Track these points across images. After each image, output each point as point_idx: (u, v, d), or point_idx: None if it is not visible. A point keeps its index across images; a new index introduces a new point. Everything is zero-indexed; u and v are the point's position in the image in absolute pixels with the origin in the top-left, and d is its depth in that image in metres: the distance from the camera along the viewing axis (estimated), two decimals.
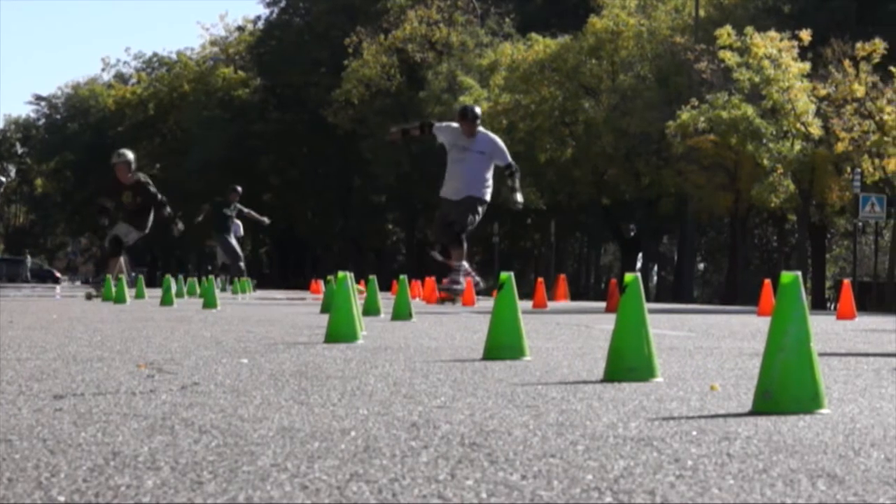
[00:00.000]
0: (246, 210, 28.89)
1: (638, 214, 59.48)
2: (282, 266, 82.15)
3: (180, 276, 35.19)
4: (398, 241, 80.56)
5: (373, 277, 13.96)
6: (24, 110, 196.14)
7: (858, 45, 38.42)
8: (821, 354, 4.72)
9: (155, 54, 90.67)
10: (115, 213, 20.87)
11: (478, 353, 7.34)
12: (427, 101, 56.76)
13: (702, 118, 40.80)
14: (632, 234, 63.93)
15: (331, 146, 70.53)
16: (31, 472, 2.99)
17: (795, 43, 40.15)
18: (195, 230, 34.46)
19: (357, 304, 8.82)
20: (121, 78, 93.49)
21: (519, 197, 16.61)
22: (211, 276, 22.97)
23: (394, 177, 63.49)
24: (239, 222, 29.80)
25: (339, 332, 8.51)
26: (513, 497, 2.74)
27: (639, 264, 63.37)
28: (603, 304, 21.75)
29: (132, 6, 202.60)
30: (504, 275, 6.99)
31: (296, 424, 3.93)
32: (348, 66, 63.41)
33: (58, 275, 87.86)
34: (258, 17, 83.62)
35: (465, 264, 16.59)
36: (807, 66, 39.85)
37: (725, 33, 41.11)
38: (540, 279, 22.27)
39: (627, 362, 5.62)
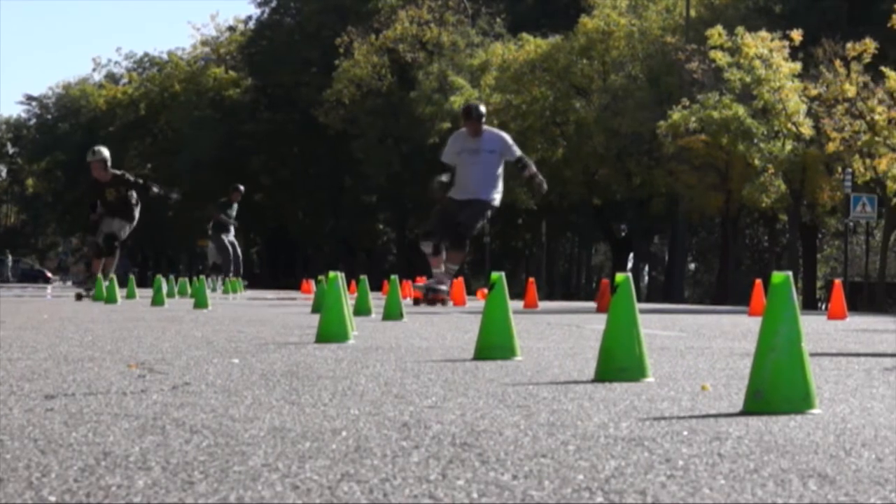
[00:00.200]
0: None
1: (629, 214, 59.52)
2: (272, 266, 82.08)
3: (171, 276, 35.15)
4: (389, 241, 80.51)
5: (364, 277, 13.96)
6: (15, 110, 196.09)
7: (849, 45, 38.44)
8: (812, 354, 4.72)
9: (146, 54, 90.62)
10: (102, 211, 20.77)
11: (469, 353, 7.34)
12: (418, 102, 56.75)
13: (693, 118, 40.83)
14: (623, 234, 64.00)
15: (322, 146, 70.49)
16: (22, 472, 2.99)
17: (786, 43, 40.20)
18: (188, 230, 34.40)
19: (348, 304, 8.81)
20: (112, 78, 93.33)
21: (541, 181, 16.22)
22: (202, 276, 22.95)
23: (384, 177, 63.52)
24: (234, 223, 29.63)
25: (330, 333, 8.50)
26: (504, 497, 2.74)
27: (630, 264, 63.39)
28: (594, 305, 21.72)
29: (123, 6, 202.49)
30: (495, 275, 6.97)
31: (287, 424, 3.92)
32: (339, 66, 63.37)
33: (49, 275, 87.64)
34: (249, 18, 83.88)
35: (445, 273, 16.41)
36: (798, 66, 39.90)
37: (716, 33, 41.15)
38: (531, 279, 22.24)
39: (618, 362, 5.62)
